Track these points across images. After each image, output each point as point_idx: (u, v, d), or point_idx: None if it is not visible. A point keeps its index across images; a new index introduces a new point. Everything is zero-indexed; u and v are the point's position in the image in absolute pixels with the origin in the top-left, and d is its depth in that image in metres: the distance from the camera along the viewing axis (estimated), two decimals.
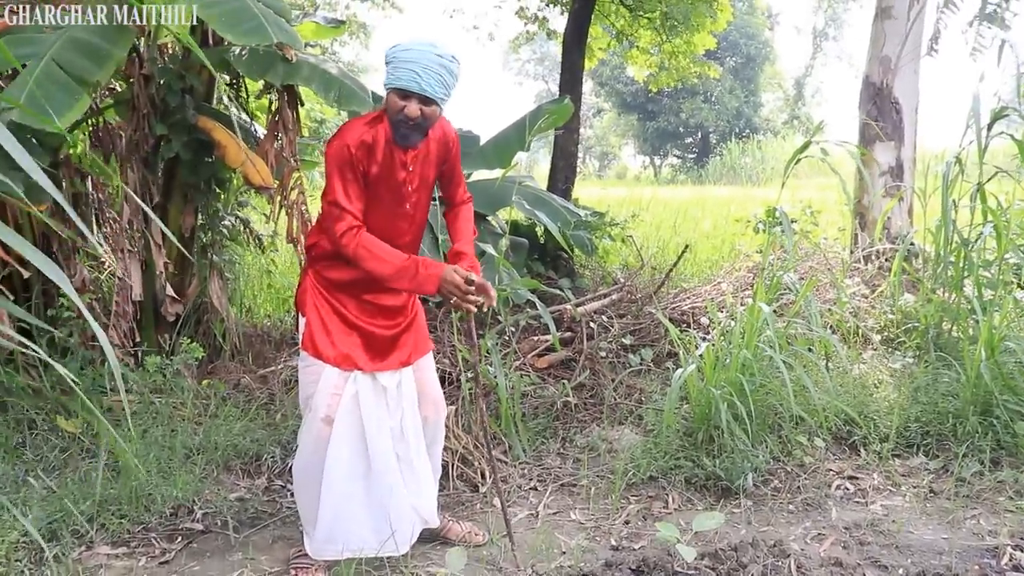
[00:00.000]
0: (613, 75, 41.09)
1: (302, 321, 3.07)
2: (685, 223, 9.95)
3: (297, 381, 3.25)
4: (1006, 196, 6.75)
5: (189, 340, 4.99)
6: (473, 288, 2.87)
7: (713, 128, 42.11)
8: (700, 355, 4.12)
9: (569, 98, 5.87)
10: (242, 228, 6.50)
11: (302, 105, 5.33)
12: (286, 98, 5.16)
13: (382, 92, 2.86)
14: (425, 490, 3.16)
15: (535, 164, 31.22)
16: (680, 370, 4.01)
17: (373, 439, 3.00)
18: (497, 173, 6.05)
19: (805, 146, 4.96)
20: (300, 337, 3.07)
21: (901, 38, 7.91)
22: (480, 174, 6.49)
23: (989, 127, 5.27)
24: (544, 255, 6.66)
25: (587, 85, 43.45)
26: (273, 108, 5.21)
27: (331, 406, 2.98)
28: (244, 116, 6.02)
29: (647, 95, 40.09)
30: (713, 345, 4.26)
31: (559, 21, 10.61)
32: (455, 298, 2.86)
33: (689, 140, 45.12)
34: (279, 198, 5.22)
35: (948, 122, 10.91)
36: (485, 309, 3.10)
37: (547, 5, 10.35)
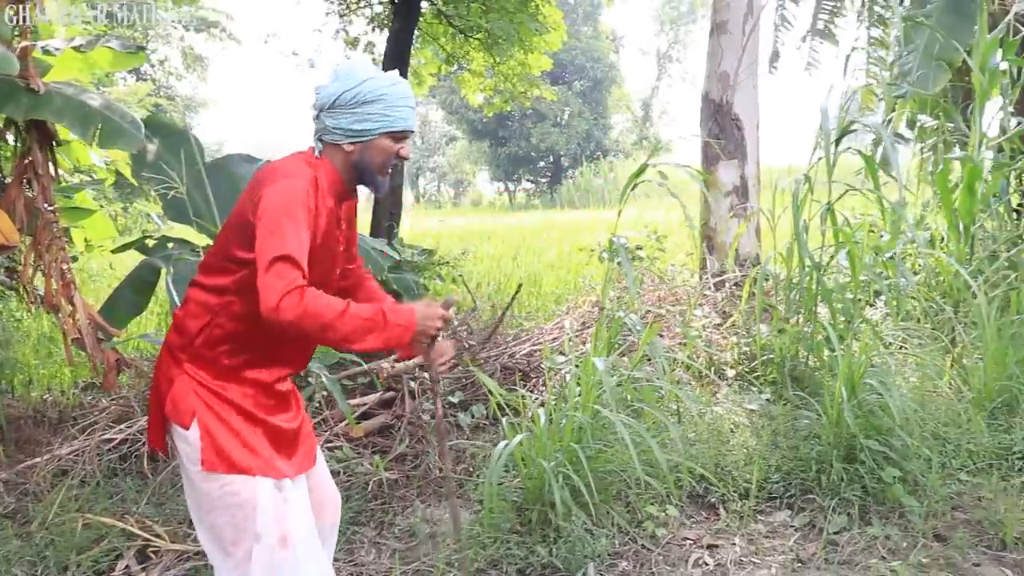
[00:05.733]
0: (463, 102, 40.73)
1: (188, 434, 2.22)
2: (528, 254, 9.43)
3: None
4: (852, 212, 6.49)
5: None
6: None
7: (564, 151, 42.30)
8: (530, 420, 3.51)
9: None
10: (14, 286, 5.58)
11: (58, 144, 4.51)
12: (36, 136, 4.33)
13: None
14: None
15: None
16: (502, 444, 3.38)
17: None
18: None
19: (641, 170, 4.50)
20: (196, 455, 2.21)
21: (738, 53, 7.64)
22: None
23: (837, 142, 4.91)
24: None
25: (438, 112, 43.18)
26: (20, 149, 4.38)
27: (282, 516, 2.24)
28: None
29: (498, 121, 39.98)
30: (544, 406, 3.65)
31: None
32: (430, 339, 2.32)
33: (542, 164, 45.24)
34: (32, 256, 4.37)
35: (791, 139, 10.85)
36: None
37: (372, 29, 9.70)
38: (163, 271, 4.48)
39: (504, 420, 3.64)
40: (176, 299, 3.88)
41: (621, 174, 32.75)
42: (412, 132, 2.39)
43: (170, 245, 5.18)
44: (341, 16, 9.92)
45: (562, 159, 43.42)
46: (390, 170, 2.41)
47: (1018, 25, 6.39)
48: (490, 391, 3.91)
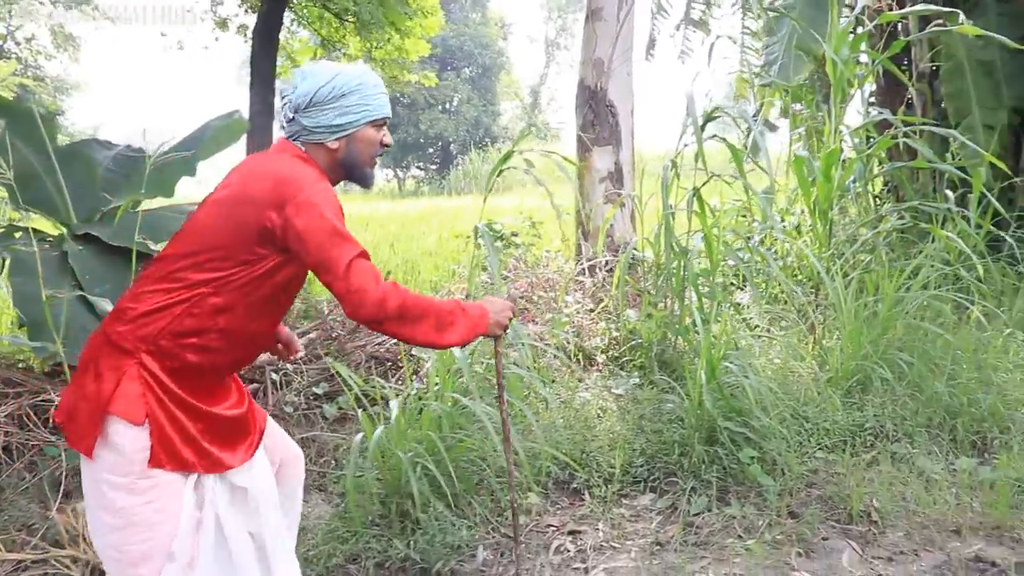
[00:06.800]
0: None
1: (132, 434, 2.06)
2: (408, 241, 9.32)
3: None
4: (720, 198, 6.62)
5: None
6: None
7: (453, 138, 42.20)
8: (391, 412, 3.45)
9: (239, 113, 5.02)
10: None
11: None
12: None
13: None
14: None
15: None
16: (359, 436, 3.32)
17: (239, 554, 2.26)
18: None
19: (507, 156, 4.49)
20: (129, 462, 2.07)
21: (612, 40, 7.70)
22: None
23: (702, 129, 4.99)
24: None
25: None
26: None
27: (195, 539, 2.17)
28: None
29: None
30: (401, 396, 3.60)
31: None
32: (503, 329, 2.53)
33: (431, 151, 45.00)
34: None
35: (666, 125, 11.06)
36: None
37: (245, 11, 9.42)
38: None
39: (360, 412, 3.56)
40: (7, 293, 3.66)
41: (510, 161, 32.84)
42: (390, 118, 2.42)
43: (17, 235, 4.90)
44: None
45: (451, 146, 43.29)
46: (376, 161, 2.41)
47: (866, 19, 6.61)
48: (346, 384, 3.83)
